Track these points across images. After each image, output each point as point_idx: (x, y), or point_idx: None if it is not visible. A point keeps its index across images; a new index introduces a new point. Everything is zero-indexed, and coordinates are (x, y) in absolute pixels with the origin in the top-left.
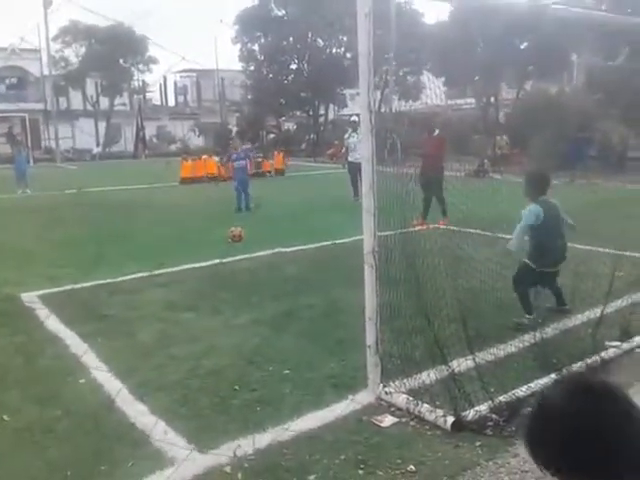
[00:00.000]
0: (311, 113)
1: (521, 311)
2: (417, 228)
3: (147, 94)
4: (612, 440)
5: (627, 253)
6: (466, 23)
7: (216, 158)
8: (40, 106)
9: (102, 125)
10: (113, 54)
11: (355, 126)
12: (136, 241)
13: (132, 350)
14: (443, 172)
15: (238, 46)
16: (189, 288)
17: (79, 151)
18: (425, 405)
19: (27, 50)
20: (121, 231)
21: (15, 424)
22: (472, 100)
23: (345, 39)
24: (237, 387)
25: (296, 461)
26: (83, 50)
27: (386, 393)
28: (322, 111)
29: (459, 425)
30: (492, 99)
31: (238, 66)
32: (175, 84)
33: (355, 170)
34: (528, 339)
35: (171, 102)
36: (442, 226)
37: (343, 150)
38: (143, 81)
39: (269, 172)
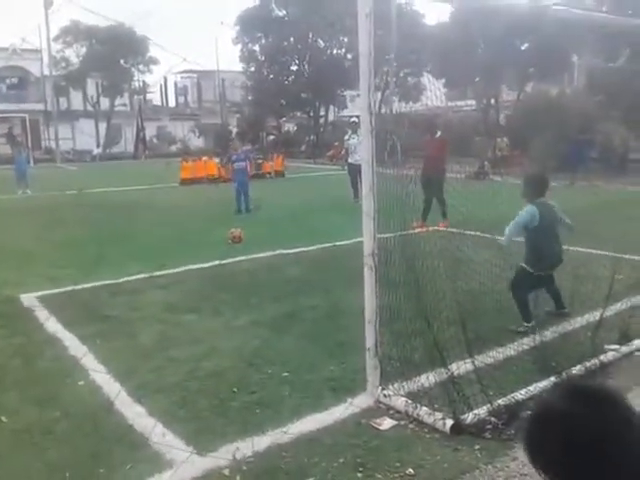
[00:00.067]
0: (311, 114)
1: (519, 316)
2: (417, 230)
3: (147, 95)
4: (611, 445)
5: (627, 256)
6: (467, 24)
7: (216, 159)
8: (40, 106)
9: (102, 126)
10: (114, 54)
11: (355, 127)
12: (136, 242)
13: (131, 352)
14: (445, 174)
15: (239, 47)
16: (189, 289)
17: (79, 152)
18: (424, 408)
19: (28, 50)
20: (121, 232)
21: (14, 425)
22: (472, 102)
23: (346, 40)
24: (236, 389)
25: (295, 464)
26: (84, 50)
27: (385, 396)
28: (322, 112)
29: (458, 428)
30: (492, 101)
31: (239, 67)
32: (175, 85)
33: (355, 172)
34: (527, 342)
35: (171, 103)
36: (442, 228)
37: (343, 152)
38: (144, 82)
39: (269, 173)
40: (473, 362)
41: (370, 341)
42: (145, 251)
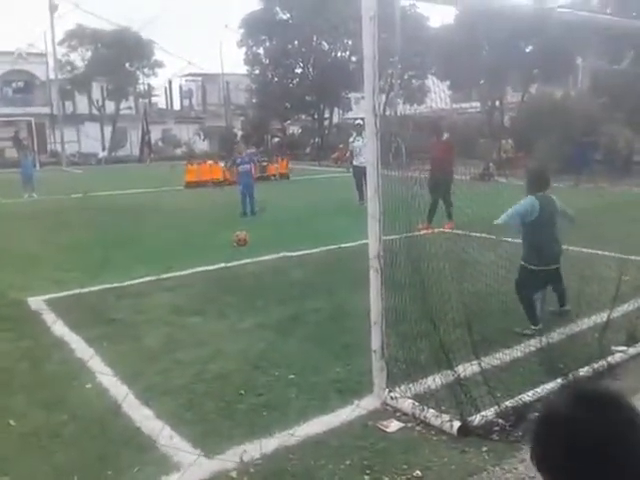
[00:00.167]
0: (316, 117)
1: (525, 318)
2: (422, 232)
3: (153, 98)
4: (615, 447)
5: (633, 257)
6: (471, 26)
7: (221, 163)
8: (46, 110)
9: (108, 129)
10: (119, 58)
11: (360, 130)
12: (142, 245)
13: (138, 354)
14: (452, 176)
15: (243, 50)
16: (195, 292)
17: (85, 155)
18: (431, 410)
19: (34, 54)
20: (127, 235)
21: (22, 429)
22: (477, 104)
23: (350, 43)
24: (243, 392)
25: (302, 466)
26: (89, 54)
27: (392, 398)
28: (327, 115)
29: (465, 430)
30: (497, 103)
31: (243, 70)
32: (180, 88)
33: (360, 174)
34: (534, 344)
35: (176, 106)
36: (448, 230)
37: (348, 154)
38: (149, 85)
39: (274, 176)
40: (480, 364)
41: (376, 343)
42: (151, 254)
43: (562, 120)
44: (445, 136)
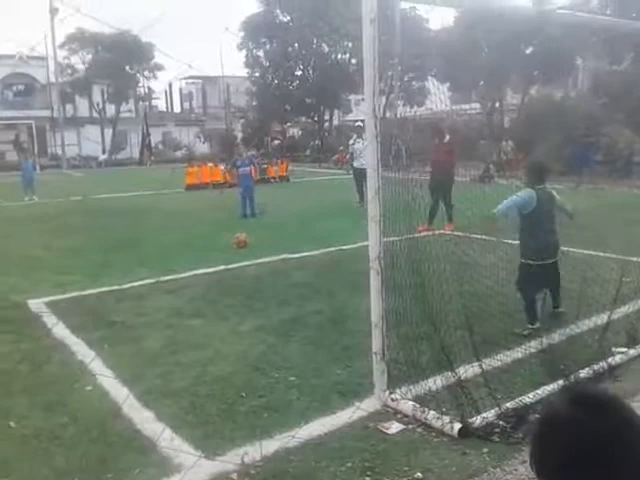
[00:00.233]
0: (316, 119)
1: (526, 319)
2: (423, 234)
3: (153, 101)
4: (614, 449)
5: (634, 259)
6: (471, 28)
7: (222, 166)
8: (47, 113)
9: (108, 132)
10: (119, 61)
11: (360, 132)
12: (142, 247)
13: (139, 357)
14: (453, 178)
15: (243, 52)
16: (195, 294)
17: (85, 158)
18: (432, 412)
19: (34, 57)
20: (127, 237)
21: (22, 430)
22: (477, 105)
23: (350, 45)
24: (244, 394)
25: (303, 468)
26: (89, 57)
27: (392, 400)
28: (327, 117)
29: (466, 432)
30: (497, 104)
31: (243, 72)
32: (180, 91)
33: (360, 176)
34: (535, 345)
35: (177, 108)
36: (448, 232)
37: (348, 156)
38: (149, 88)
39: (274, 178)
40: (480, 365)
41: (377, 345)
42: (151, 256)
43: (562, 121)
44: (446, 138)
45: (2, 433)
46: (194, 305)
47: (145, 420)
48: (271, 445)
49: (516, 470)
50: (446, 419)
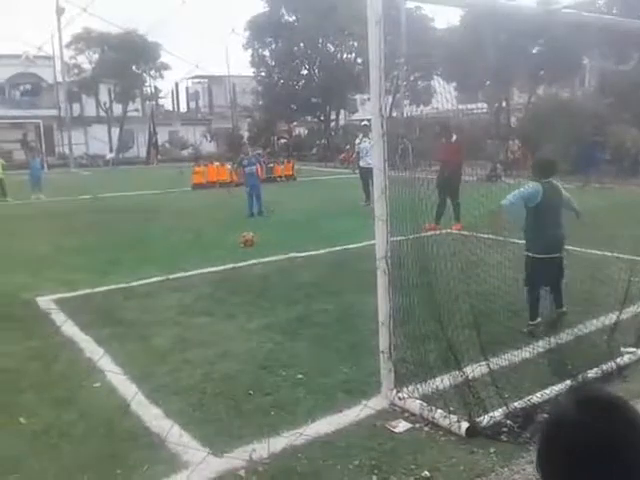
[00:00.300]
0: (322, 118)
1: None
2: (429, 233)
3: (159, 100)
4: (619, 450)
5: None
6: (477, 28)
7: (228, 165)
8: (54, 112)
9: (115, 131)
10: (126, 61)
11: (366, 131)
12: (150, 246)
13: (147, 354)
14: (461, 177)
15: (249, 52)
16: (203, 293)
17: (92, 157)
18: (439, 411)
19: (41, 57)
20: (134, 236)
21: (33, 427)
22: (484, 105)
23: (356, 44)
24: (251, 392)
25: (310, 466)
26: (96, 57)
27: (399, 399)
28: (333, 116)
29: (473, 431)
30: (504, 104)
31: (249, 72)
32: (187, 90)
33: (367, 175)
34: (543, 345)
35: (183, 108)
36: (455, 231)
37: (354, 155)
38: (155, 87)
39: (280, 177)
40: (488, 365)
41: (384, 344)
42: (158, 255)
43: (569, 121)
44: (454, 138)
45: (12, 429)
46: (202, 303)
47: (154, 417)
48: (278, 443)
49: (524, 470)
50: (453, 418)
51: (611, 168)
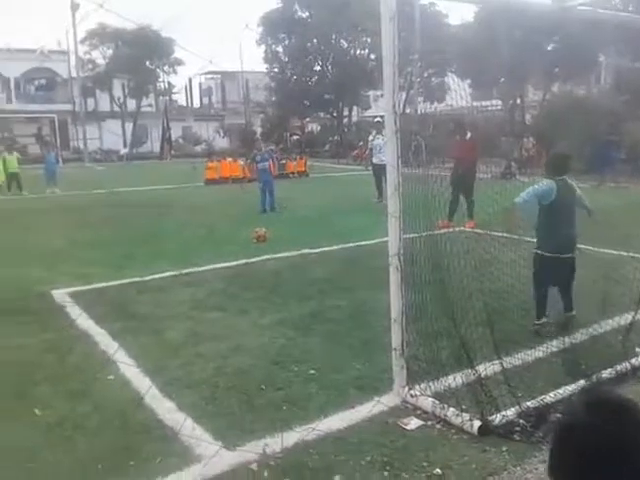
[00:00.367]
0: (335, 114)
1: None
2: (443, 230)
3: (173, 95)
4: (629, 452)
5: None
6: (491, 24)
7: (241, 161)
8: (69, 107)
9: (129, 126)
10: (140, 56)
11: (380, 128)
12: (164, 241)
13: (160, 348)
14: (475, 175)
15: (262, 48)
16: (216, 288)
17: (106, 152)
18: (451, 409)
19: (56, 52)
20: (148, 230)
21: (47, 419)
22: (498, 102)
23: (369, 40)
24: (263, 386)
25: (322, 461)
26: (110, 52)
27: (412, 396)
28: (346, 112)
29: (486, 429)
30: (518, 101)
31: (262, 68)
32: (200, 86)
33: (380, 172)
34: (557, 344)
35: (196, 103)
36: (468, 229)
37: (367, 152)
38: (169, 83)
39: (292, 173)
40: (501, 363)
41: (396, 341)
42: (172, 250)
43: (584, 118)
44: (469, 135)
45: (27, 421)
46: (215, 298)
47: (167, 410)
48: (291, 437)
49: (536, 469)
50: (466, 416)
51: (626, 167)
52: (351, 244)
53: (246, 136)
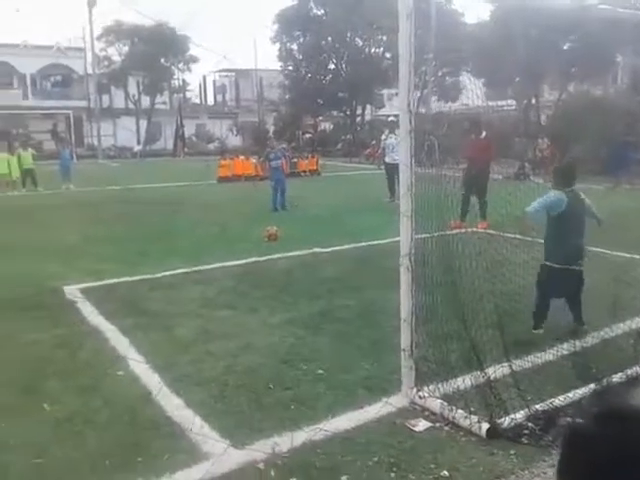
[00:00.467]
0: (348, 113)
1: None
2: (455, 231)
3: (187, 93)
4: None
5: None
6: (507, 23)
7: (253, 159)
8: (84, 104)
9: (143, 123)
10: (154, 53)
11: (393, 127)
12: (176, 238)
13: (170, 345)
14: (488, 175)
15: (277, 46)
16: (226, 285)
17: (120, 148)
18: (460, 411)
19: (72, 49)
20: (161, 228)
21: (57, 414)
22: (513, 102)
23: (384, 39)
24: (272, 385)
25: (329, 461)
26: (126, 49)
27: (420, 397)
28: (359, 111)
29: (494, 432)
30: (533, 101)
31: (276, 66)
32: (214, 83)
33: (392, 171)
34: (567, 347)
35: (210, 101)
36: (481, 230)
37: (380, 151)
38: (183, 80)
39: (304, 172)
40: (510, 366)
41: (405, 341)
42: (184, 247)
43: (601, 119)
44: (483, 134)
45: (37, 415)
46: (225, 296)
47: (175, 407)
48: (298, 437)
49: (544, 473)
50: (474, 419)
51: None
52: (362, 243)
53: (259, 134)
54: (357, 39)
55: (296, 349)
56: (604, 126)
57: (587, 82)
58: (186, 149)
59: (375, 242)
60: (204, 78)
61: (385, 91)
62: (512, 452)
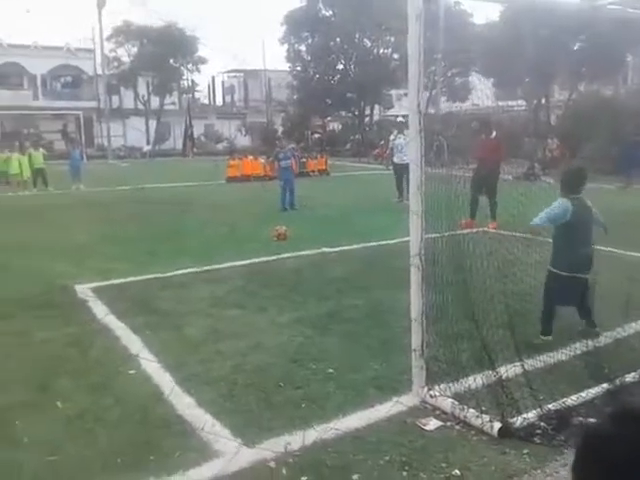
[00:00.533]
0: (356, 113)
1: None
2: (465, 231)
3: (196, 93)
4: None
5: None
6: (517, 23)
7: (262, 159)
8: (93, 104)
9: (152, 123)
10: (164, 54)
11: (401, 127)
12: (186, 238)
13: (181, 344)
14: (498, 175)
15: (285, 46)
16: (236, 285)
17: (130, 149)
18: (471, 410)
19: (82, 49)
20: (171, 228)
21: (68, 411)
22: (523, 102)
23: (392, 40)
24: (282, 384)
25: (340, 460)
26: (135, 50)
27: (431, 396)
28: (367, 112)
29: (506, 432)
30: (543, 101)
31: (285, 66)
32: (223, 84)
33: (401, 171)
34: (579, 347)
35: (219, 101)
36: (491, 230)
37: (388, 151)
38: (192, 81)
39: (313, 172)
40: (522, 365)
41: (416, 341)
42: (193, 247)
43: (611, 119)
44: (493, 134)
45: (49, 413)
46: (234, 295)
47: (186, 406)
48: (309, 435)
49: (557, 472)
50: (486, 418)
51: None
52: (371, 243)
53: (267, 134)
54: (365, 40)
55: (305, 348)
56: (614, 126)
57: (597, 82)
58: (195, 149)
59: (384, 242)
60: (213, 79)
61: (393, 91)
62: (525, 451)
